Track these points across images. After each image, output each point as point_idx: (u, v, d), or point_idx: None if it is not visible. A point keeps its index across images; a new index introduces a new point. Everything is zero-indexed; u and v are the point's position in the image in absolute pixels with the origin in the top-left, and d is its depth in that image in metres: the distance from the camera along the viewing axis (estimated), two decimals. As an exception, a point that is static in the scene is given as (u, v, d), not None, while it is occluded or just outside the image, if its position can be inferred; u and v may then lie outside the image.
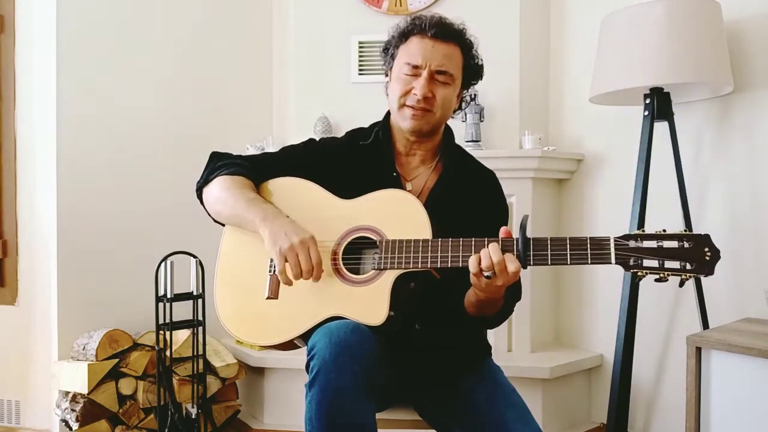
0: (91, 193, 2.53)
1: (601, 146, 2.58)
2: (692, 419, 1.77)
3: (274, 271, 1.35)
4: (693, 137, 2.27)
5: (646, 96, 2.11)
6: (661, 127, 2.17)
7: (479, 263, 1.19)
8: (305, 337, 1.31)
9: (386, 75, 1.52)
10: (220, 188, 1.41)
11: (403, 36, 1.44)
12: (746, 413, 1.69)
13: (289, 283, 1.29)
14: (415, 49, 1.40)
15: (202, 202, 1.50)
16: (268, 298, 1.34)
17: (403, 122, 1.43)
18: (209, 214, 1.48)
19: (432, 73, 1.39)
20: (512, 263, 1.18)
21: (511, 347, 2.53)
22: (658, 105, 2.09)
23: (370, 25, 2.72)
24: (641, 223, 2.09)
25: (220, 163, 1.47)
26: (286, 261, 1.27)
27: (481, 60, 1.49)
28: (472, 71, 1.48)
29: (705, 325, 2.13)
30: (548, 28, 2.75)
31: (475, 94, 2.46)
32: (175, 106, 2.76)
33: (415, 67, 1.39)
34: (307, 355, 1.21)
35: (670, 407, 2.34)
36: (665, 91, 2.09)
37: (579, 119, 2.65)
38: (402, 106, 1.42)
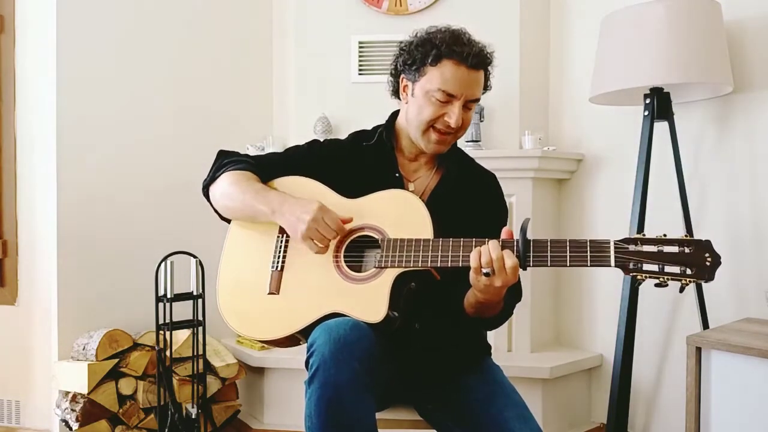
0: (91, 193, 2.52)
1: (601, 146, 2.58)
2: (692, 419, 1.77)
3: (277, 267, 1.38)
4: (693, 137, 2.27)
5: (646, 96, 2.11)
6: (661, 127, 2.17)
7: (479, 258, 1.20)
8: (306, 332, 1.32)
9: (395, 77, 1.49)
10: (228, 183, 1.43)
11: (438, 57, 1.37)
12: (746, 413, 1.69)
13: (324, 251, 1.35)
14: (450, 77, 1.37)
15: (209, 200, 1.50)
16: (269, 293, 1.36)
17: (427, 145, 1.43)
18: (216, 212, 1.49)
19: (466, 103, 1.40)
20: (510, 258, 1.19)
21: (511, 347, 2.53)
22: (658, 105, 2.09)
23: (370, 25, 2.72)
24: (641, 223, 2.09)
25: (226, 161, 1.49)
26: (312, 240, 1.32)
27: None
28: (485, 89, 1.48)
29: (705, 325, 2.13)
30: (548, 28, 2.75)
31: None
32: (176, 106, 2.75)
33: (450, 95, 1.38)
34: (307, 352, 1.22)
35: (670, 407, 2.34)
36: (665, 91, 2.09)
37: (579, 119, 2.65)
38: (428, 129, 1.41)
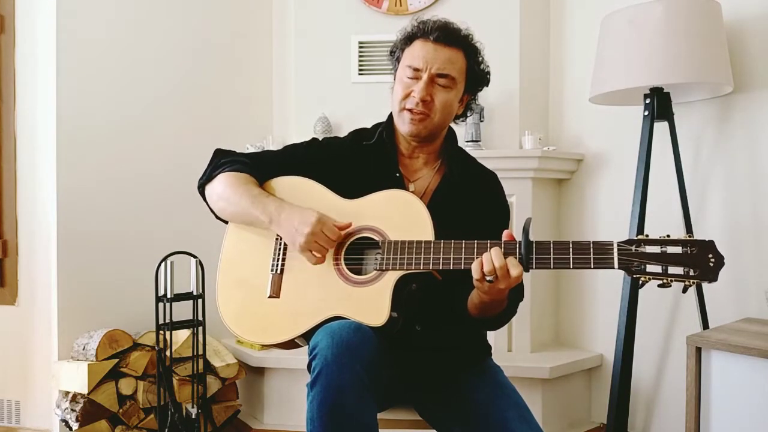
0: (90, 193, 2.52)
1: (601, 146, 2.58)
2: (692, 419, 1.77)
3: (276, 270, 1.37)
4: (693, 137, 2.28)
5: (646, 96, 2.11)
6: (661, 127, 2.17)
7: (481, 268, 1.19)
8: (307, 336, 1.31)
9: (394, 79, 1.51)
10: (224, 185, 1.42)
11: (408, 39, 1.44)
12: (746, 413, 1.69)
13: (322, 261, 1.34)
14: (417, 53, 1.40)
15: (204, 199, 1.50)
16: (270, 297, 1.35)
17: (402, 126, 1.43)
18: (212, 211, 1.48)
19: (432, 77, 1.39)
20: (515, 268, 1.17)
21: (511, 347, 2.53)
22: (658, 105, 2.09)
23: (370, 25, 2.72)
24: (641, 223, 2.09)
25: (223, 160, 1.47)
26: (311, 251, 1.32)
27: (488, 67, 1.49)
28: (477, 77, 1.47)
29: (705, 325, 2.13)
30: (548, 28, 2.75)
31: (475, 95, 2.46)
32: (176, 106, 2.76)
33: (416, 70, 1.39)
34: (309, 355, 1.21)
35: (670, 407, 2.34)
36: (665, 91, 2.09)
37: (579, 119, 2.65)
38: (402, 109, 1.42)
